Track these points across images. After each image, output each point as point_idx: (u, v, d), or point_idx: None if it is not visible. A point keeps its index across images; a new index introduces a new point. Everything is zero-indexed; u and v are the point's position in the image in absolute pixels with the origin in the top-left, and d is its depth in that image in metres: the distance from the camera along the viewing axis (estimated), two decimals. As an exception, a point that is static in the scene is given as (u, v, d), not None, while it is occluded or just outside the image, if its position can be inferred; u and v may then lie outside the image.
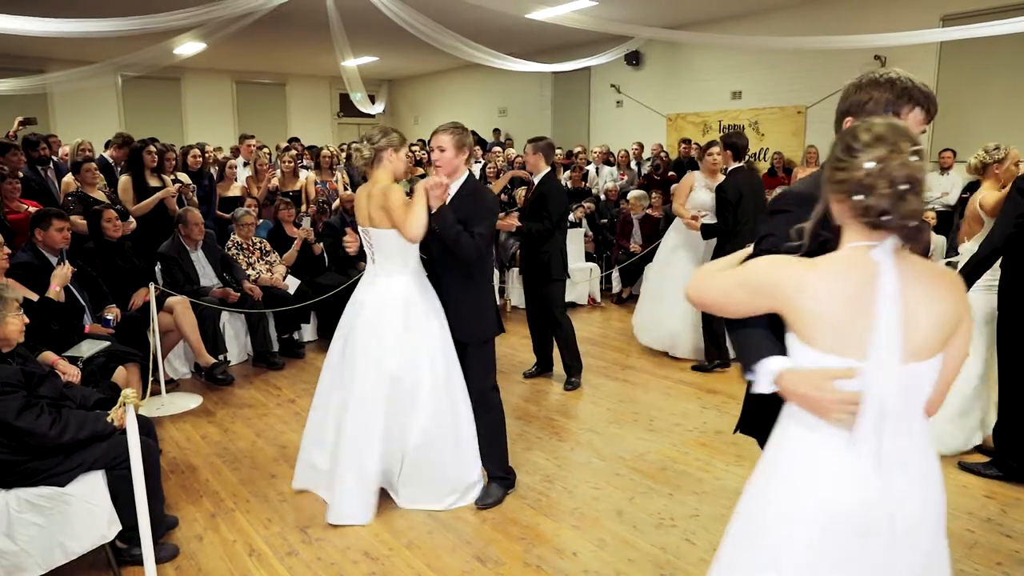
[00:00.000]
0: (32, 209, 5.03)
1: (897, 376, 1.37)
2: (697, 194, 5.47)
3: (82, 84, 10.78)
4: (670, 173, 9.07)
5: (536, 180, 4.99)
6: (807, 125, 9.84)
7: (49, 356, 3.51)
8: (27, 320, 2.96)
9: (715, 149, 5.37)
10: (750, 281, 1.51)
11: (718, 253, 5.02)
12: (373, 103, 13.24)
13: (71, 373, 3.41)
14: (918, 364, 1.41)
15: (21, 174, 5.72)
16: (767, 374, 1.51)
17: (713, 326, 5.28)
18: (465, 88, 15.61)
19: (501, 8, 8.17)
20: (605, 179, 9.97)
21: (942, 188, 7.88)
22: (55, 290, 3.97)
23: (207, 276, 5.55)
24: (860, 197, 1.39)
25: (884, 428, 1.39)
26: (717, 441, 4.18)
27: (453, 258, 3.26)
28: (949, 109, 8.63)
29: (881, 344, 1.35)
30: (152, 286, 4.77)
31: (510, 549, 3.06)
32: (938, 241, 6.98)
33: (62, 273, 4.06)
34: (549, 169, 4.96)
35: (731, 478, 3.70)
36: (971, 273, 3.54)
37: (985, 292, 3.76)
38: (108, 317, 4.40)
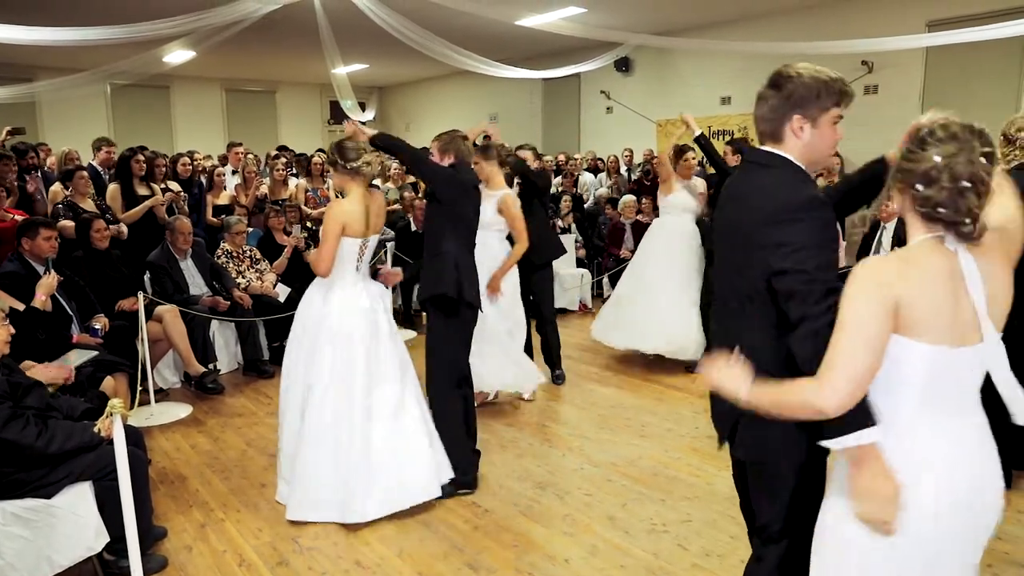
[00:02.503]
0: (19, 218, 4.99)
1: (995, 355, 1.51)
2: (676, 194, 5.58)
3: (71, 92, 10.72)
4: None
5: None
6: (796, 130, 9.88)
7: (28, 365, 3.46)
8: (13, 330, 2.94)
9: (690, 155, 5.59)
10: None
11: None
12: (364, 110, 13.23)
13: (55, 375, 3.37)
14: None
15: (17, 184, 5.68)
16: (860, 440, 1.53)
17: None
18: (456, 95, 15.62)
19: (491, 15, 8.19)
20: (590, 185, 10.03)
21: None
22: (41, 299, 3.94)
23: (196, 285, 5.52)
24: (920, 187, 1.46)
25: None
26: (709, 446, 4.18)
27: None
28: (936, 113, 8.70)
29: (988, 326, 1.46)
30: (141, 295, 4.74)
31: (502, 556, 3.04)
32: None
33: (47, 282, 4.02)
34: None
35: (723, 483, 3.70)
36: None
37: None
38: (96, 327, 4.37)
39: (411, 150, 3.63)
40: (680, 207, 5.58)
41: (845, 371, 1.44)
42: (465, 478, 3.61)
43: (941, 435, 1.51)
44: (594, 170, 10.76)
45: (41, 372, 3.37)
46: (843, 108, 1.77)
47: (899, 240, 6.77)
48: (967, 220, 1.44)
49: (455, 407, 3.64)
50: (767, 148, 1.83)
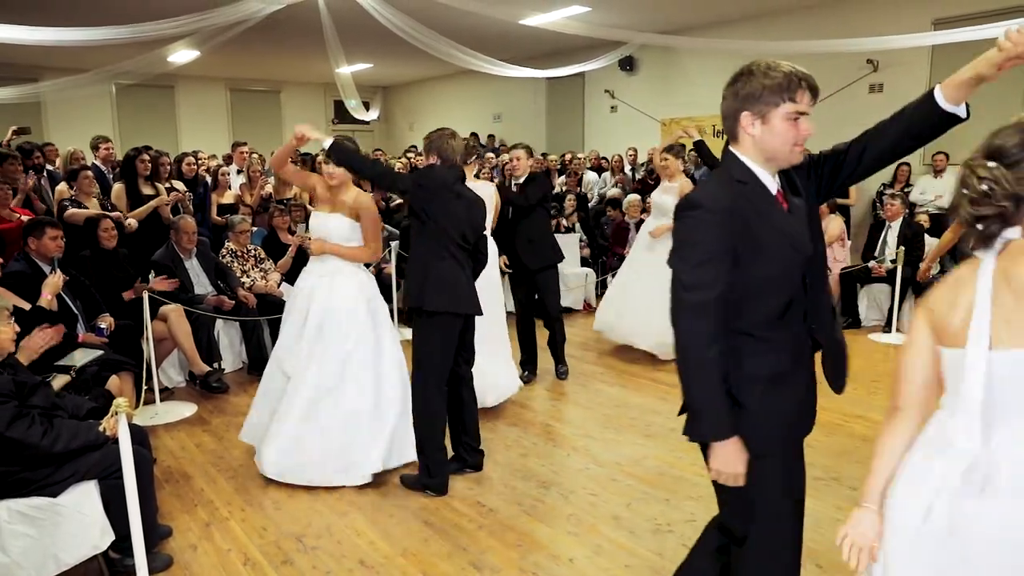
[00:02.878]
0: (24, 218, 5.00)
1: (987, 363, 1.37)
2: (655, 196, 5.82)
3: (75, 92, 10.75)
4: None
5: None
6: (800, 129, 9.86)
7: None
8: (18, 329, 2.95)
9: (664, 154, 5.76)
10: None
11: None
12: (368, 110, 13.23)
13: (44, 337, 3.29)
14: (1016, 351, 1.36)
15: (30, 182, 5.70)
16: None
17: None
18: (460, 94, 15.62)
19: (495, 14, 8.19)
20: (593, 184, 10.02)
21: (936, 191, 7.91)
22: (46, 299, 3.95)
23: (201, 284, 5.52)
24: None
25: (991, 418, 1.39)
26: (713, 445, 4.17)
27: None
28: (942, 112, 8.67)
29: (976, 333, 1.38)
30: (146, 294, 4.75)
31: (506, 556, 3.04)
32: (931, 243, 6.99)
33: (53, 281, 4.03)
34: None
35: (728, 482, 3.69)
36: None
37: None
38: (101, 326, 4.37)
39: (369, 165, 3.60)
40: (658, 207, 5.76)
41: (901, 382, 1.56)
42: (432, 480, 3.60)
43: (952, 432, 1.46)
44: (598, 169, 10.75)
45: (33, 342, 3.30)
46: (801, 104, 1.72)
47: (904, 239, 6.74)
48: (978, 226, 1.42)
49: (433, 408, 3.60)
50: (728, 146, 1.86)
